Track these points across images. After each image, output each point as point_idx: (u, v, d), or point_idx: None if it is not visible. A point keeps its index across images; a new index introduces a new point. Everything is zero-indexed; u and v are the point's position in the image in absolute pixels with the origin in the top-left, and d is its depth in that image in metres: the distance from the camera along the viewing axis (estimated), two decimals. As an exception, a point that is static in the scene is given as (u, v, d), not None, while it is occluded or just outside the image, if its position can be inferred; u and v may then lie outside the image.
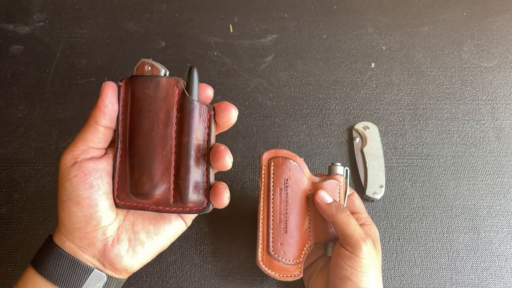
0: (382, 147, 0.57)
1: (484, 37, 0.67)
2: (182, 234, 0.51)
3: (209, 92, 0.35)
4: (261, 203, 0.45)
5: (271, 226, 0.44)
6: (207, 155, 0.34)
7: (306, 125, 0.59)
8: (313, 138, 0.58)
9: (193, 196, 0.34)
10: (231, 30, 0.67)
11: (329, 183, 0.46)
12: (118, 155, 0.34)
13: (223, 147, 0.34)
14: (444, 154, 0.57)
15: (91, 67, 0.62)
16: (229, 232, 0.51)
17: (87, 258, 0.34)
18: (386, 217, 0.53)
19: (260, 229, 0.44)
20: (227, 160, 0.33)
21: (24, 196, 0.53)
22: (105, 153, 0.35)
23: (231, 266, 0.50)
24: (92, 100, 0.59)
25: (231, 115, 0.34)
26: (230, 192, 0.37)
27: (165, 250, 0.50)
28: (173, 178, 0.34)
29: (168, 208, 0.34)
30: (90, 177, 0.32)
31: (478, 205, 0.54)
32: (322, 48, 0.66)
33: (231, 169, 0.55)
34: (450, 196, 0.54)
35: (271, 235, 0.44)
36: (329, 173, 0.47)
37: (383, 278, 0.49)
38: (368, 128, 0.57)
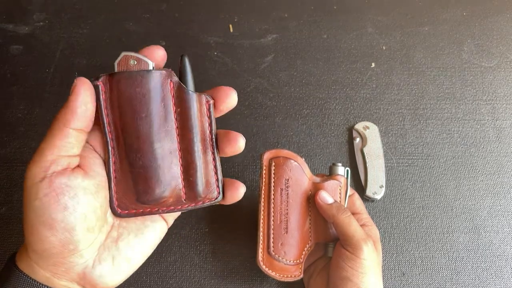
0: (382, 147, 0.57)
1: (484, 37, 0.67)
2: (182, 234, 0.51)
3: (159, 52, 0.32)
4: (262, 203, 0.45)
5: (272, 226, 0.44)
6: (212, 145, 0.32)
7: (306, 125, 0.59)
8: (313, 138, 0.58)
9: (206, 190, 0.32)
10: (231, 30, 0.67)
11: (330, 183, 0.45)
12: (112, 163, 0.31)
13: (233, 132, 0.32)
14: (444, 154, 0.57)
15: (91, 67, 0.62)
16: (229, 232, 0.51)
17: (64, 284, 0.30)
18: (387, 217, 0.53)
19: (261, 229, 0.44)
20: (240, 144, 0.32)
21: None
22: (78, 165, 0.30)
23: (231, 266, 0.49)
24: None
25: (232, 100, 0.33)
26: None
27: (165, 250, 0.50)
28: (182, 176, 0.32)
29: (180, 207, 0.33)
30: (63, 196, 0.28)
31: (478, 205, 0.54)
32: (322, 48, 0.66)
33: (231, 169, 0.55)
34: (450, 196, 0.54)
35: (271, 235, 0.44)
36: (330, 174, 0.47)
37: (383, 278, 0.49)
38: (368, 128, 0.57)
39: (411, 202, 0.54)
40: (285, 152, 0.45)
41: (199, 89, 0.34)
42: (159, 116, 0.31)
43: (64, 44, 0.64)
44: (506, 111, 0.61)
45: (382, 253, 0.50)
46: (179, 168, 0.32)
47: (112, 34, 0.66)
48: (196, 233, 0.51)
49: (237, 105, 0.59)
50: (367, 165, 0.55)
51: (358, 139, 0.57)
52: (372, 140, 0.56)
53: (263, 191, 0.45)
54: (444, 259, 0.51)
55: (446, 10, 0.70)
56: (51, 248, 0.28)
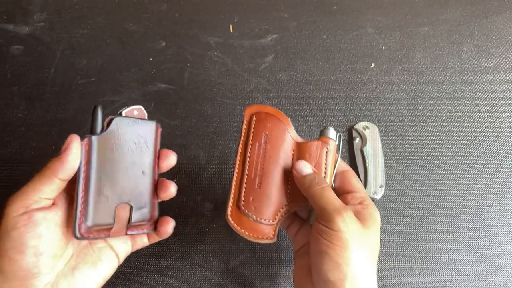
0: (382, 147, 0.57)
1: (484, 37, 0.67)
2: (182, 233, 0.51)
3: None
4: (238, 157, 0.41)
5: (245, 180, 0.41)
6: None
7: (306, 125, 0.59)
8: (313, 138, 0.58)
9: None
10: (231, 30, 0.67)
11: (315, 144, 0.41)
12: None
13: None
14: (444, 154, 0.57)
15: (91, 67, 0.62)
16: (229, 232, 0.51)
17: None
18: (386, 217, 0.53)
19: (234, 182, 0.41)
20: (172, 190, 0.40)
21: (24, 196, 0.52)
22: (53, 203, 0.35)
23: (231, 266, 0.50)
24: (92, 101, 0.59)
25: (170, 162, 0.41)
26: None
27: (165, 250, 0.50)
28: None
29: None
30: (39, 227, 0.33)
31: (478, 205, 0.54)
32: (322, 48, 0.66)
33: (230, 169, 0.55)
34: (450, 196, 0.54)
35: (243, 189, 0.40)
36: (320, 136, 0.43)
37: (383, 278, 0.49)
38: (368, 128, 0.58)
39: (410, 202, 0.54)
40: (269, 109, 0.42)
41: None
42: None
43: (64, 44, 0.65)
44: (506, 111, 0.61)
45: (382, 253, 0.50)
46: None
47: (112, 34, 0.66)
48: (196, 233, 0.51)
49: (237, 105, 0.60)
50: (367, 165, 0.55)
51: (358, 139, 0.57)
52: (371, 140, 0.57)
53: (240, 146, 0.42)
54: (444, 258, 0.51)
55: (446, 10, 0.70)
56: (19, 270, 0.32)
